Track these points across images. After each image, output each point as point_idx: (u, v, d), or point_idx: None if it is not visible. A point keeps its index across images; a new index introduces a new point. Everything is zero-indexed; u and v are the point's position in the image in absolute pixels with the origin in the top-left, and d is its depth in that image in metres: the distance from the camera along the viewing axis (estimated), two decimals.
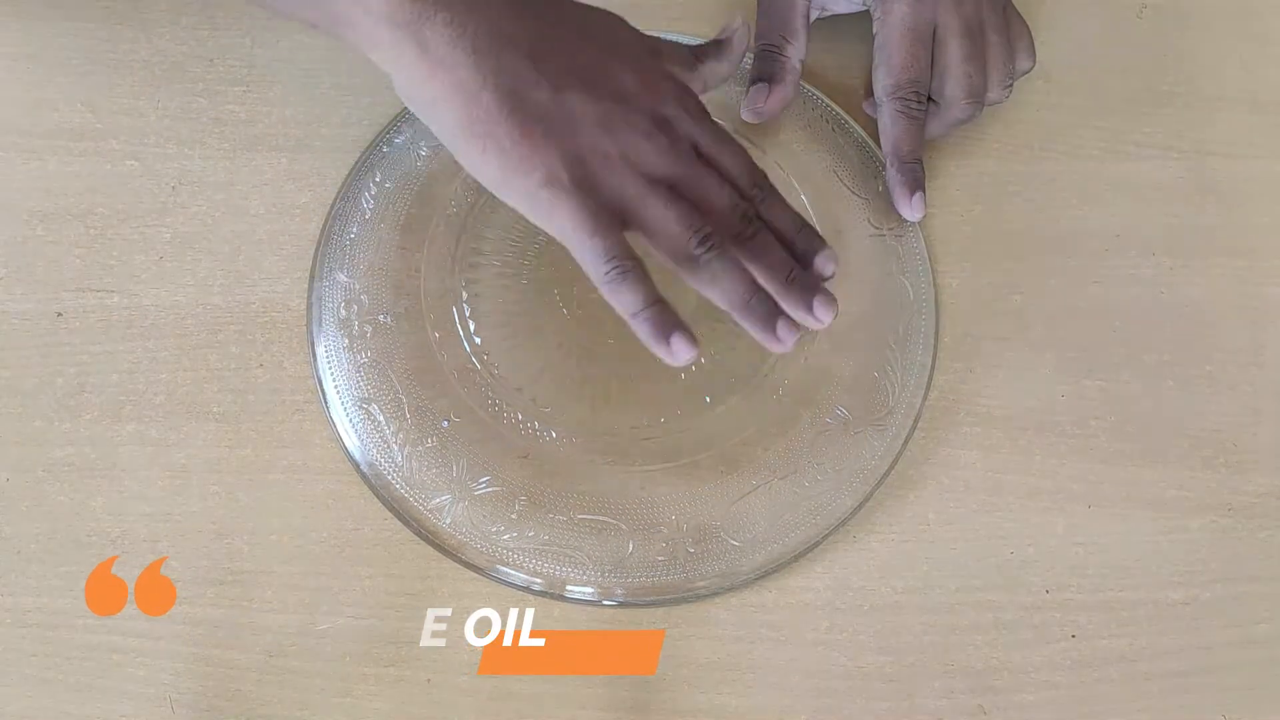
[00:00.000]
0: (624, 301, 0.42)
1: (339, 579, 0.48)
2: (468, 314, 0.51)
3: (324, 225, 0.52)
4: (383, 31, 0.42)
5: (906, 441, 0.50)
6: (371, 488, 0.49)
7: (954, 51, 0.52)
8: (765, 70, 0.53)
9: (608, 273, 0.42)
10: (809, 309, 0.45)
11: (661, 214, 0.43)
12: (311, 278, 0.52)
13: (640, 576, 0.48)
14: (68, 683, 0.47)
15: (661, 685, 0.47)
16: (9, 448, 0.50)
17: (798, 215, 0.46)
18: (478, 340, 0.51)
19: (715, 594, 0.48)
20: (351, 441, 0.49)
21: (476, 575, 0.48)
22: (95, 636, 0.47)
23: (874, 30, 0.53)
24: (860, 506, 0.49)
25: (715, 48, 0.48)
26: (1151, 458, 0.51)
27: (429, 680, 0.47)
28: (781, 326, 0.44)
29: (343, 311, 0.51)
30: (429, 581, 0.48)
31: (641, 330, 0.42)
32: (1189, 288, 0.54)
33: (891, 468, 0.50)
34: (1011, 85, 0.53)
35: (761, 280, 0.45)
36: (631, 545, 0.48)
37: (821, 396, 0.50)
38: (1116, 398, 0.52)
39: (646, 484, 0.49)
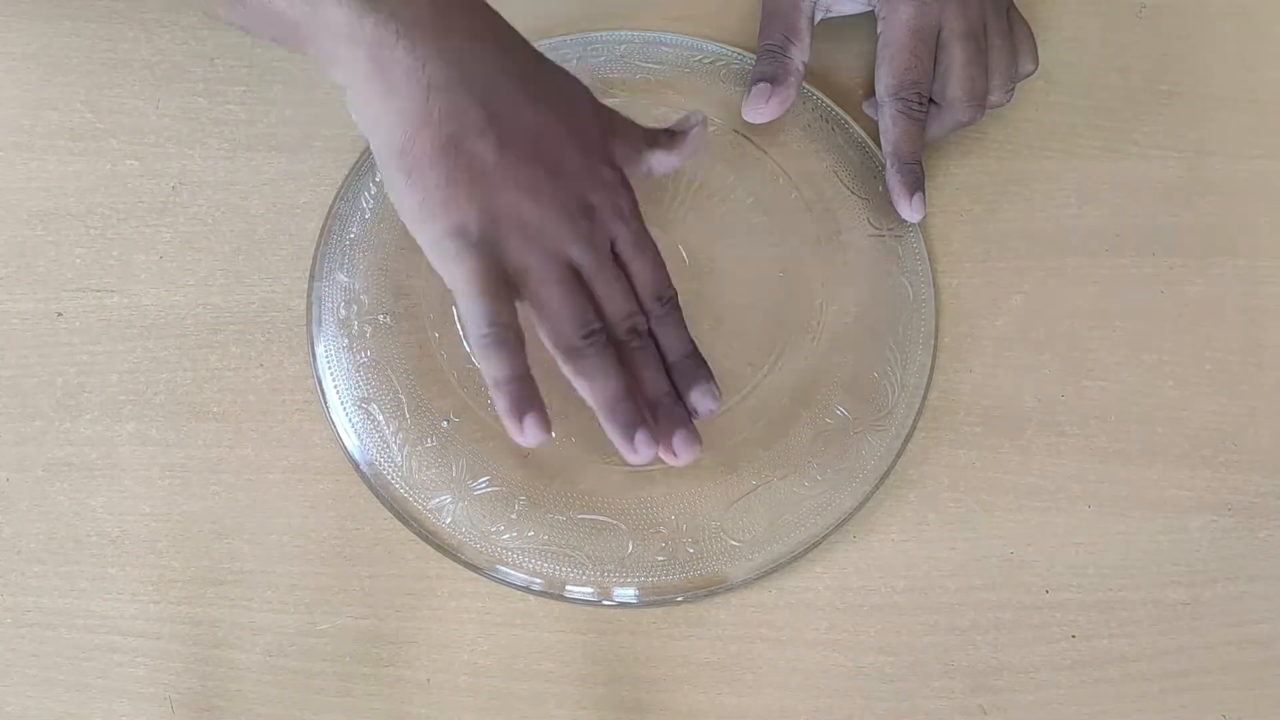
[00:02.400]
0: (491, 368, 0.41)
1: (339, 579, 0.48)
2: None
3: (324, 225, 0.53)
4: (342, 49, 0.42)
5: (906, 441, 0.50)
6: (371, 488, 0.49)
7: (957, 54, 0.51)
8: (768, 71, 0.53)
9: (484, 335, 0.41)
10: (669, 441, 0.44)
11: (557, 299, 0.43)
12: (311, 278, 0.52)
13: (640, 576, 0.48)
14: (68, 683, 0.47)
15: (661, 685, 0.47)
16: (9, 448, 0.50)
17: (690, 342, 0.46)
18: None
19: (715, 594, 0.48)
20: (351, 441, 0.49)
21: (476, 575, 0.48)
22: (95, 636, 0.47)
23: (878, 31, 0.53)
24: (860, 506, 0.49)
25: (669, 138, 0.47)
26: (1151, 458, 0.51)
27: (429, 680, 0.47)
28: (640, 437, 0.43)
29: (343, 311, 0.51)
30: (429, 581, 0.48)
31: (499, 401, 0.42)
32: (1189, 288, 0.54)
33: (891, 468, 0.50)
34: (1013, 88, 0.53)
35: None
36: (631, 545, 0.48)
37: (821, 396, 0.50)
38: (1116, 398, 0.52)
39: (646, 484, 0.49)
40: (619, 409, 0.43)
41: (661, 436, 0.44)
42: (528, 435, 0.41)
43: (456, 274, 0.42)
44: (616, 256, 0.44)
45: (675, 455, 0.44)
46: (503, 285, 0.42)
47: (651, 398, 0.44)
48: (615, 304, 0.44)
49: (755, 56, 0.55)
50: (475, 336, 0.42)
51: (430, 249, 0.43)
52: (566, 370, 0.43)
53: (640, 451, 0.43)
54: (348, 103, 0.43)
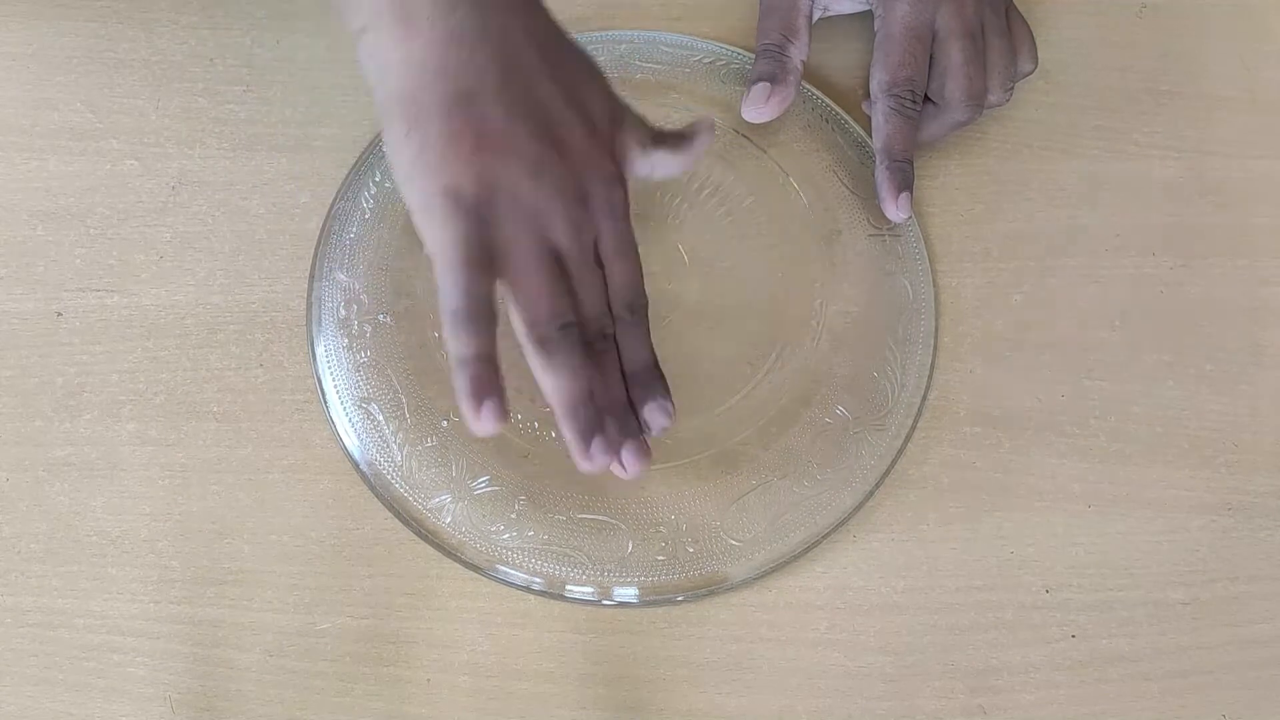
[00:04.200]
0: (460, 343, 0.39)
1: (339, 579, 0.48)
2: None
3: (324, 225, 0.53)
4: None
5: (906, 441, 0.50)
6: (371, 487, 0.49)
7: (955, 53, 0.51)
8: (767, 70, 0.53)
9: (458, 308, 0.39)
10: (617, 450, 0.42)
11: (538, 283, 0.41)
12: (311, 278, 0.52)
13: (640, 576, 0.48)
14: (67, 682, 0.47)
15: (661, 685, 0.47)
16: (9, 448, 0.50)
17: (653, 356, 0.44)
18: None
19: (715, 593, 0.48)
20: (351, 441, 0.49)
21: (476, 575, 0.48)
22: (95, 636, 0.47)
23: (875, 29, 0.53)
24: (860, 506, 0.49)
25: (675, 139, 0.45)
26: (1151, 458, 0.51)
27: (429, 680, 0.47)
28: (597, 443, 0.41)
29: (342, 311, 0.51)
30: (429, 581, 0.48)
31: (461, 381, 0.39)
32: (1189, 288, 0.54)
33: (891, 467, 0.50)
34: (1012, 88, 0.53)
35: None
36: (631, 545, 0.48)
37: (821, 396, 0.50)
38: (1116, 398, 0.52)
39: (646, 484, 0.49)
40: (581, 411, 0.41)
41: (613, 446, 0.42)
42: (484, 423, 0.39)
43: (442, 238, 0.40)
44: (597, 255, 0.43)
45: (624, 468, 0.42)
46: (487, 258, 0.40)
47: (606, 406, 0.42)
48: (589, 302, 0.42)
49: (747, 54, 0.55)
50: (449, 308, 0.39)
51: (419, 207, 0.40)
52: (534, 360, 0.41)
53: (595, 459, 0.41)
54: (360, 50, 0.41)
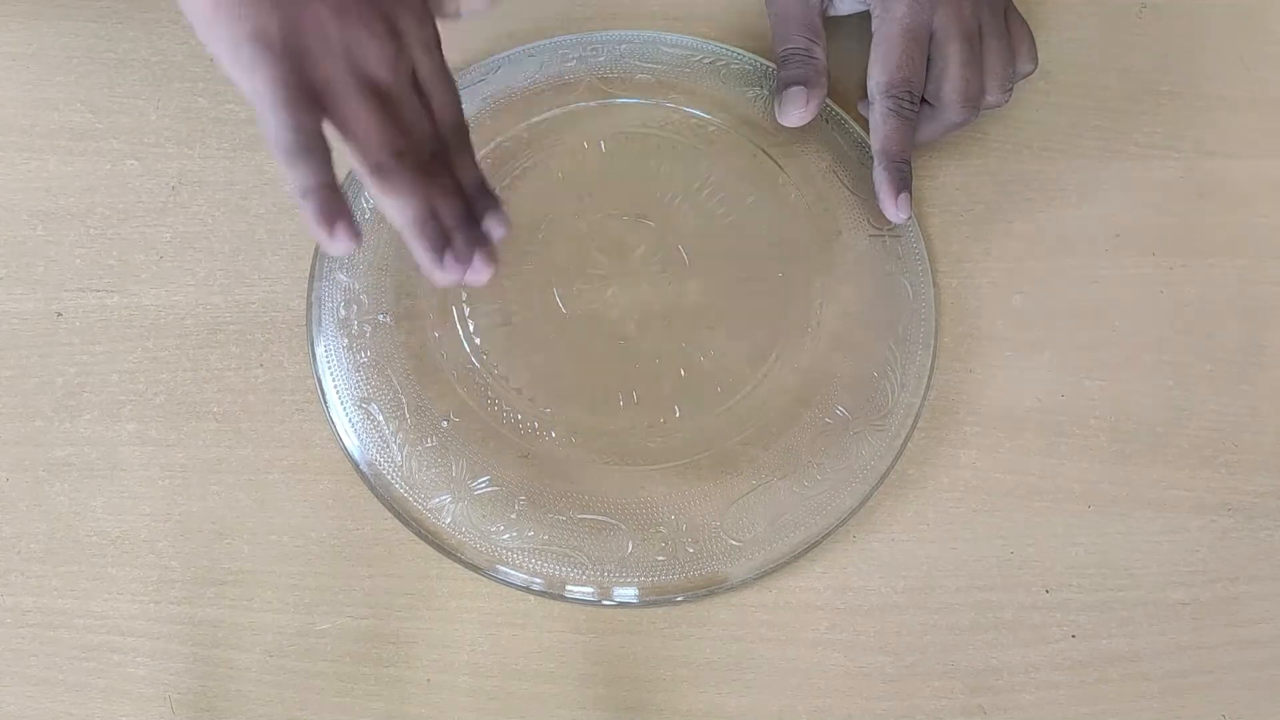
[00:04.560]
0: (299, 175, 0.40)
1: (339, 579, 0.48)
2: (467, 314, 0.51)
3: None
4: None
5: (906, 441, 0.50)
6: (371, 488, 0.49)
7: (951, 55, 0.51)
8: (799, 74, 0.53)
9: (291, 143, 0.39)
10: (468, 259, 0.44)
11: (363, 115, 0.42)
12: (311, 278, 0.52)
13: (640, 576, 0.48)
14: (68, 683, 0.47)
15: (661, 685, 0.47)
16: (9, 448, 0.50)
17: (482, 175, 0.46)
18: (478, 340, 0.51)
19: (715, 593, 0.48)
20: (351, 441, 0.49)
21: (476, 575, 0.48)
22: (95, 636, 0.47)
23: (873, 29, 0.53)
24: (860, 506, 0.49)
25: None
26: (1151, 458, 0.51)
27: (429, 680, 0.47)
28: (450, 257, 0.43)
29: (342, 311, 0.51)
30: (429, 581, 0.48)
31: (308, 209, 0.40)
32: (1189, 288, 0.54)
33: (891, 468, 0.50)
34: (1011, 88, 0.53)
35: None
36: (631, 545, 0.48)
37: (821, 396, 0.50)
38: (1116, 398, 0.52)
39: (646, 484, 0.49)
40: (428, 227, 0.42)
41: (463, 257, 0.43)
42: (338, 243, 0.40)
43: (258, 81, 0.40)
44: (417, 87, 0.44)
45: (476, 271, 0.44)
46: (308, 95, 0.41)
47: (452, 222, 0.44)
48: (417, 128, 0.43)
49: (747, 54, 0.55)
50: (281, 144, 0.39)
51: (228, 56, 0.40)
52: (374, 189, 0.42)
53: (450, 271, 0.43)
54: None
